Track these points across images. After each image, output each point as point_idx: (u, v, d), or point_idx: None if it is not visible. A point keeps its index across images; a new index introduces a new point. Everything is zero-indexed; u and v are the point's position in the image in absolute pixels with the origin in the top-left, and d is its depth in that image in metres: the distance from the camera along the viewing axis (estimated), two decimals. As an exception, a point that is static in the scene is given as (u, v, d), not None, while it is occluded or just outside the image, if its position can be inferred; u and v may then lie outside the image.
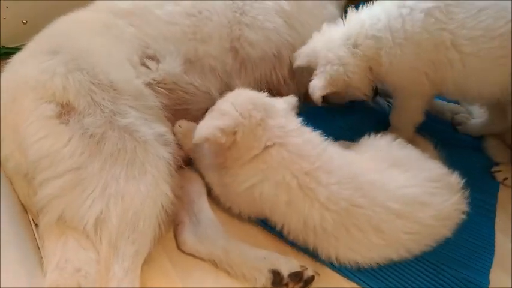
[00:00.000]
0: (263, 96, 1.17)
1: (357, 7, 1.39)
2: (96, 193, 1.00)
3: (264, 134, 1.08)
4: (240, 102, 1.12)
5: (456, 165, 1.24)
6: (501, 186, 1.40)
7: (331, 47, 1.29)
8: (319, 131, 1.17)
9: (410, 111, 1.38)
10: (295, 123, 1.13)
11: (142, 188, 1.03)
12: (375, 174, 1.07)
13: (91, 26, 1.27)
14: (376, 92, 1.44)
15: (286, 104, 1.17)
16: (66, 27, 1.26)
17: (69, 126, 1.03)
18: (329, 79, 1.26)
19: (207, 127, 1.07)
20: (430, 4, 1.19)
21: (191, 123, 1.30)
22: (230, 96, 1.17)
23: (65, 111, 1.05)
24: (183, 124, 1.30)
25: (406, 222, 1.05)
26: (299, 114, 1.24)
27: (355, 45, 1.27)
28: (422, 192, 1.07)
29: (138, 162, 1.05)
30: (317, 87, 1.26)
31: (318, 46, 1.32)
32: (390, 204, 1.03)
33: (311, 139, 1.11)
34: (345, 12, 1.37)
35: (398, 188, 1.06)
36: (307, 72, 1.47)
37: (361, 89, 1.33)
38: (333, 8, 1.58)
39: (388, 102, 1.61)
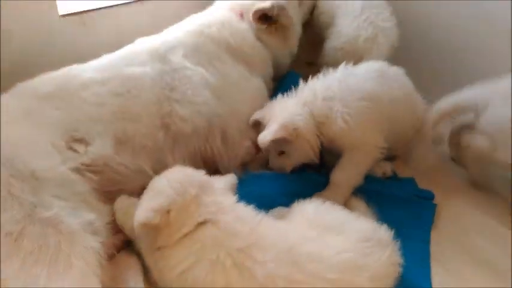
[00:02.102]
0: (200, 174, 1.17)
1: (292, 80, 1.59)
2: (13, 296, 0.91)
3: (196, 211, 1.06)
4: (175, 179, 1.11)
5: (388, 216, 1.29)
6: (432, 231, 1.47)
7: (285, 106, 1.46)
8: (255, 204, 1.17)
9: (357, 170, 1.46)
10: (229, 200, 1.13)
11: (67, 284, 0.95)
12: (309, 243, 1.06)
13: (11, 113, 1.21)
14: (321, 161, 1.54)
15: (224, 183, 1.18)
16: (-18, 117, 1.20)
17: (-19, 227, 0.95)
18: (280, 124, 1.38)
19: (143, 210, 1.05)
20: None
21: (132, 199, 1.25)
22: (166, 174, 1.16)
23: (-23, 210, 0.97)
24: (123, 201, 1.25)
25: None
26: (239, 179, 1.25)
27: (307, 106, 1.44)
28: (356, 255, 1.06)
29: (63, 257, 0.97)
30: (268, 132, 1.38)
31: (272, 107, 1.48)
32: (328, 275, 1.02)
33: (243, 216, 1.10)
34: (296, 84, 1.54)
35: (334, 255, 1.05)
36: (240, 137, 1.53)
37: (310, 142, 1.43)
38: (257, 81, 1.66)
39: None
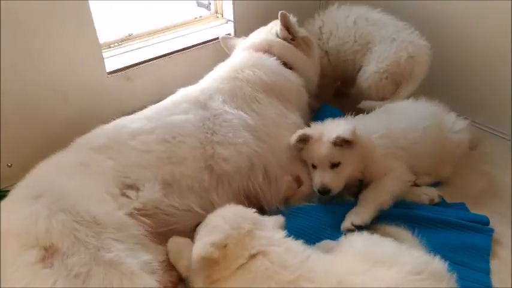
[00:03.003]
0: (252, 211, 1.25)
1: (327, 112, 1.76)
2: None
3: (249, 243, 1.12)
4: (230, 215, 1.19)
5: (441, 244, 1.29)
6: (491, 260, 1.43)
7: (337, 124, 1.61)
8: (301, 236, 1.22)
9: (385, 190, 1.56)
10: (279, 234, 1.18)
11: None
12: (358, 277, 1.06)
13: (70, 166, 1.33)
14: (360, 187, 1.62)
15: (274, 220, 1.24)
16: (47, 172, 1.32)
17: (53, 269, 1.03)
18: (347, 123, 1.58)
19: (201, 246, 1.11)
20: None
21: (184, 239, 1.32)
22: (220, 211, 1.25)
23: (49, 254, 1.06)
24: (175, 241, 1.32)
25: None
26: (284, 214, 1.32)
27: None
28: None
29: (126, 295, 1.04)
30: (346, 126, 1.54)
31: (321, 127, 1.61)
32: None
33: (292, 248, 1.14)
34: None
35: None
36: (281, 173, 1.59)
37: (366, 147, 1.59)
38: (294, 116, 1.73)
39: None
